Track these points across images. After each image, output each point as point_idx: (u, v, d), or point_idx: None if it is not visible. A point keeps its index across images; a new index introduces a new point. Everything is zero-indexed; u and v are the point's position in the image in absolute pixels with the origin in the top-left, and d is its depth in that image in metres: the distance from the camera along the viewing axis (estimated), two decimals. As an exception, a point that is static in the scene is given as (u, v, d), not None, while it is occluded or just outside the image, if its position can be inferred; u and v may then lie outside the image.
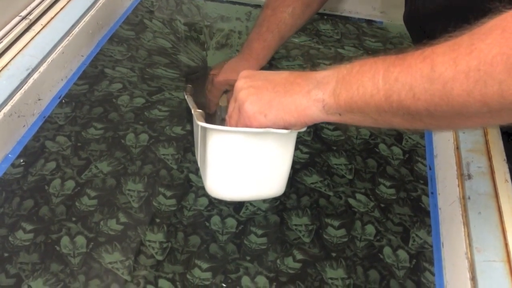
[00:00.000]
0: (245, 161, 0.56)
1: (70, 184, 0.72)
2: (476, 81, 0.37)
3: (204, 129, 0.55)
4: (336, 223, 0.70)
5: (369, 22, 1.11)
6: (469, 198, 0.62)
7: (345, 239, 0.68)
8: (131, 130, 0.81)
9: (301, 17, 0.75)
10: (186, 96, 0.75)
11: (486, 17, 0.39)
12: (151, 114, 0.84)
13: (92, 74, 0.90)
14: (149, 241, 0.66)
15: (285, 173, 0.61)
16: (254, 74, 0.53)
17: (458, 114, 0.40)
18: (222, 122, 0.78)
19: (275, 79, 0.51)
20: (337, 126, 0.84)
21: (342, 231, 0.69)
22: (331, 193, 0.74)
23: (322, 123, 0.84)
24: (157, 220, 0.69)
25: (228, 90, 0.78)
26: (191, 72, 0.93)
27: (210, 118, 0.80)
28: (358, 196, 0.74)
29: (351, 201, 0.73)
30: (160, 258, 0.64)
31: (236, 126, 0.53)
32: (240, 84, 0.52)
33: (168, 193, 0.72)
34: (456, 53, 0.38)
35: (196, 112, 0.63)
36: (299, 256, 0.65)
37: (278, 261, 0.64)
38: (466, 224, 0.60)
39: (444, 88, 0.38)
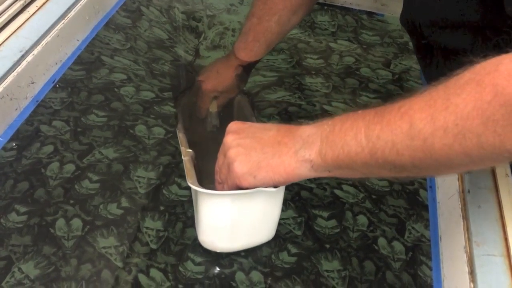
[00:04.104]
0: (235, 218, 0.57)
1: (70, 167, 0.71)
2: (455, 135, 0.38)
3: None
4: (325, 214, 0.69)
5: (370, 14, 1.10)
6: (469, 191, 0.61)
7: (337, 230, 0.67)
8: (140, 122, 0.80)
9: (287, 25, 0.75)
10: (178, 134, 0.73)
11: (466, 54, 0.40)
12: (163, 109, 0.83)
13: (88, 60, 0.89)
14: (147, 227, 0.65)
15: (275, 222, 0.62)
16: (243, 130, 0.54)
17: (443, 165, 0.42)
18: (213, 128, 0.78)
19: (263, 138, 0.52)
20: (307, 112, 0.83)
21: (333, 222, 0.68)
22: (313, 185, 0.72)
23: (287, 102, 0.86)
24: (161, 208, 0.68)
25: (217, 96, 0.78)
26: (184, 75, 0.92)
27: (200, 123, 0.80)
28: (345, 187, 0.73)
29: (337, 192, 0.72)
30: (154, 246, 0.63)
31: (226, 182, 0.53)
32: (229, 140, 0.53)
33: (184, 184, 0.71)
34: (433, 109, 0.40)
35: (186, 157, 0.62)
36: (294, 250, 0.64)
37: (273, 256, 0.63)
38: (466, 218, 0.59)
39: (425, 143, 0.40)
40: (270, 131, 0.52)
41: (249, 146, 0.51)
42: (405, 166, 0.43)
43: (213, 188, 0.56)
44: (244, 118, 0.76)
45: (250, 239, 0.62)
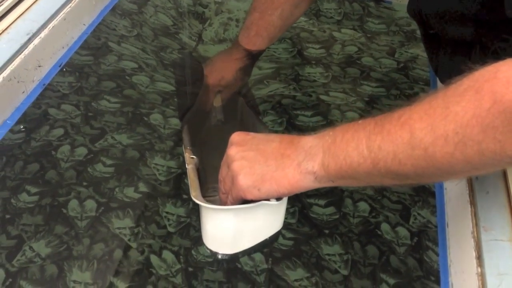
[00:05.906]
0: (238, 229, 0.58)
1: (82, 150, 0.71)
2: (456, 144, 0.39)
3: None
4: (321, 202, 0.68)
5: (377, 1, 1.09)
6: (476, 178, 0.62)
7: (336, 216, 0.67)
8: (157, 111, 0.80)
9: (290, 18, 0.74)
10: (184, 148, 0.72)
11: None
12: None
13: (95, 45, 0.88)
14: (167, 213, 0.65)
15: (278, 226, 0.62)
16: (246, 142, 0.54)
17: (445, 173, 0.42)
18: (218, 122, 0.78)
19: (266, 150, 0.52)
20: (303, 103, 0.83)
21: (331, 209, 0.68)
22: None
23: (280, 95, 0.86)
24: (184, 196, 0.67)
25: (221, 90, 0.78)
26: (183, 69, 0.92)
27: (205, 117, 0.80)
28: None
29: None
30: (172, 230, 0.64)
31: (230, 193, 0.54)
32: (232, 153, 0.53)
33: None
34: (432, 118, 0.40)
35: (189, 165, 0.62)
36: (289, 235, 0.64)
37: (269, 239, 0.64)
38: (473, 203, 0.59)
39: (426, 152, 0.40)
40: (273, 142, 0.52)
41: (252, 159, 0.51)
42: (408, 175, 0.43)
43: (217, 188, 0.57)
44: (248, 113, 0.76)
45: (254, 240, 0.62)
